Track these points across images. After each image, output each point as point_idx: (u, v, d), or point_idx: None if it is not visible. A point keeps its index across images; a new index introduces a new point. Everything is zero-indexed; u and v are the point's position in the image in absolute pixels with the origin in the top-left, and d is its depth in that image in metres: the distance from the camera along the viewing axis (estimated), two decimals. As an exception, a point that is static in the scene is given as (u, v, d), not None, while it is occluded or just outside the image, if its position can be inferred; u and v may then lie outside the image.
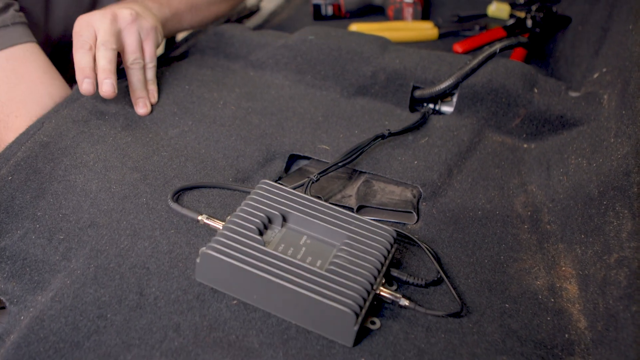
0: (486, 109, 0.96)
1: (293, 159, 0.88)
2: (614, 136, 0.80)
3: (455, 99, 0.97)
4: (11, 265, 0.67)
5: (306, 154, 0.87)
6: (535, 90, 0.95)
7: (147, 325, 0.61)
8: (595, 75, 0.98)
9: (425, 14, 1.36)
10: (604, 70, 0.96)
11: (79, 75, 0.84)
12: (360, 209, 0.79)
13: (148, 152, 0.82)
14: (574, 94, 0.96)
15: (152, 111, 0.91)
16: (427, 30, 1.30)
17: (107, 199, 0.73)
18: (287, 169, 0.87)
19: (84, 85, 0.83)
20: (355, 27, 1.31)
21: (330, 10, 1.40)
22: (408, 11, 1.35)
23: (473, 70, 0.96)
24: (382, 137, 0.87)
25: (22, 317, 0.62)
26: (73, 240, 0.69)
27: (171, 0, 1.02)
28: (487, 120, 0.96)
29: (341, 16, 1.40)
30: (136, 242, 0.68)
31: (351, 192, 0.83)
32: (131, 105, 0.91)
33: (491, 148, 0.92)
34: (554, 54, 1.18)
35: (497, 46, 0.98)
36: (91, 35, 0.85)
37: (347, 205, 0.80)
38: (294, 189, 0.74)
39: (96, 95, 0.88)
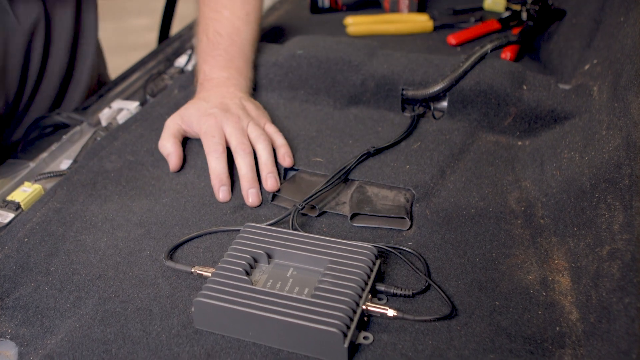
0: (477, 110, 0.97)
1: (289, 170, 0.92)
2: (605, 129, 0.81)
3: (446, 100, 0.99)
4: (24, 314, 0.72)
5: (301, 168, 0.91)
6: (524, 87, 0.96)
7: (149, 356, 0.65)
8: (586, 67, 0.98)
9: (421, 7, 1.37)
10: (595, 62, 0.96)
11: (214, 181, 0.87)
12: (354, 216, 0.82)
13: (150, 202, 0.87)
14: (564, 87, 0.96)
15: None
16: (422, 22, 1.31)
17: (114, 254, 0.79)
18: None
19: (221, 194, 0.86)
20: (351, 19, 1.33)
21: (327, 3, 1.43)
22: (404, 3, 1.37)
23: (466, 72, 0.97)
24: (368, 154, 0.90)
25: (31, 358, 0.67)
26: (82, 290, 0.74)
27: (244, 51, 1.05)
28: (479, 121, 0.97)
29: (338, 9, 1.43)
30: (140, 289, 0.74)
31: (345, 200, 0.85)
32: (133, 156, 0.96)
33: (485, 148, 0.93)
34: (547, 47, 1.18)
35: (488, 47, 1.00)
36: (222, 137, 0.89)
37: (341, 212, 0.83)
38: (282, 218, 0.78)
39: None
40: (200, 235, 0.81)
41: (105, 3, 1.31)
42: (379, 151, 0.91)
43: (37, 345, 0.69)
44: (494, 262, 0.74)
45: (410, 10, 1.36)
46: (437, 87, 0.96)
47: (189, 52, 1.27)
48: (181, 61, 1.25)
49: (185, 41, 1.34)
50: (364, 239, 0.79)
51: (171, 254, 0.78)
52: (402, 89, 1.00)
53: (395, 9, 1.37)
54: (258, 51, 1.10)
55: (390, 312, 0.66)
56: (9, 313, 0.72)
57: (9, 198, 0.89)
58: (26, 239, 0.81)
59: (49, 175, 0.95)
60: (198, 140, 0.94)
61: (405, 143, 0.94)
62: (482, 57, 0.99)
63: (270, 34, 1.34)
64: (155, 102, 1.09)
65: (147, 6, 4.06)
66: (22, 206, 0.88)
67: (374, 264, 0.70)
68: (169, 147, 0.92)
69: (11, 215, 0.87)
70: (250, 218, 0.83)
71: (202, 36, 1.05)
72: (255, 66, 1.08)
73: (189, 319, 0.69)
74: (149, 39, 3.21)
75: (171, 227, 0.82)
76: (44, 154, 1.00)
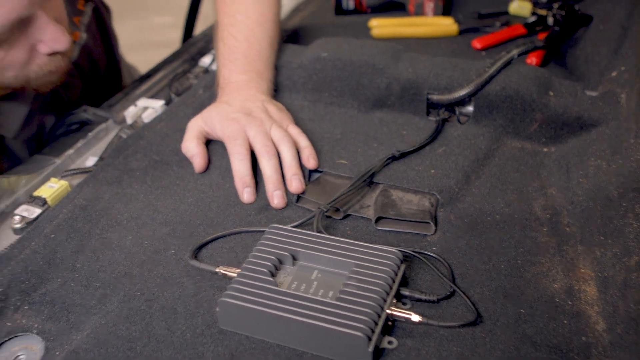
0: (503, 116, 0.96)
1: (313, 172, 0.92)
2: (633, 137, 0.80)
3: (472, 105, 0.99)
4: (50, 309, 0.73)
5: (325, 170, 0.91)
6: (551, 94, 0.95)
7: (173, 354, 0.66)
8: (613, 74, 0.97)
9: (446, 10, 1.37)
10: (622, 69, 0.95)
11: (238, 183, 0.87)
12: (378, 220, 0.82)
13: (175, 202, 0.87)
14: (591, 94, 0.96)
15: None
16: (447, 26, 1.30)
17: (139, 252, 0.79)
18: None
19: (245, 195, 0.86)
20: (376, 22, 1.33)
21: (351, 5, 1.43)
22: (429, 6, 1.37)
23: (492, 77, 0.97)
24: (393, 157, 0.90)
25: (57, 353, 0.68)
26: (108, 287, 0.75)
27: (262, 53, 1.04)
28: (504, 127, 0.97)
29: (362, 11, 1.43)
30: (165, 288, 0.74)
31: (369, 203, 0.85)
32: (158, 155, 0.96)
33: (510, 154, 0.93)
34: (573, 53, 1.17)
35: (514, 52, 0.99)
36: (246, 139, 0.90)
37: (365, 216, 0.83)
38: (306, 220, 0.78)
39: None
40: (225, 236, 0.81)
41: (127, 0, 1.32)
42: (404, 155, 0.91)
43: (63, 340, 0.70)
44: (519, 270, 0.74)
45: (435, 13, 1.36)
46: (463, 92, 0.96)
47: (213, 52, 1.27)
48: (206, 61, 1.25)
49: (210, 41, 1.35)
50: (388, 242, 0.79)
51: (196, 253, 0.78)
52: (428, 93, 1.00)
53: (420, 12, 1.37)
54: (281, 52, 1.10)
55: (415, 317, 0.66)
56: (35, 308, 0.73)
57: (36, 194, 0.90)
58: (53, 235, 0.82)
59: (75, 171, 0.96)
60: (222, 142, 0.95)
61: (430, 147, 0.94)
62: (508, 62, 0.99)
63: (294, 36, 1.34)
64: (180, 101, 1.10)
65: (169, 4, 4.08)
66: (49, 202, 0.89)
67: (399, 268, 0.70)
68: (192, 149, 0.93)
69: (38, 211, 0.88)
70: (275, 219, 0.84)
71: (220, 42, 1.06)
72: (279, 68, 1.09)
73: (213, 318, 0.70)
74: (170, 37, 3.23)
75: (196, 226, 0.83)
76: (70, 151, 1.01)
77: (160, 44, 3.04)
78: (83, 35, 1.19)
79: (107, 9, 1.32)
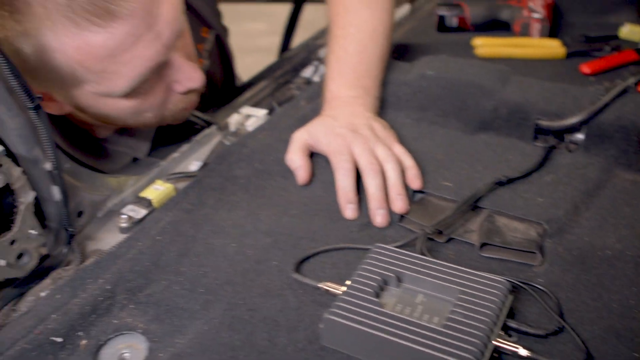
0: (615, 146, 0.93)
1: (416, 192, 0.91)
2: None
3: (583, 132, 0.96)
4: (155, 310, 0.75)
5: (429, 191, 0.90)
6: (669, 127, 0.91)
7: None
8: None
9: (552, 32, 1.34)
10: None
11: (342, 199, 0.88)
12: (482, 246, 0.81)
13: (278, 212, 0.88)
14: None
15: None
16: (554, 48, 1.27)
17: (242, 261, 0.80)
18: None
19: (349, 211, 0.87)
20: (480, 40, 1.31)
21: (455, 22, 1.40)
22: (536, 27, 1.33)
23: (606, 105, 0.94)
24: (500, 182, 0.88)
25: (161, 355, 0.69)
26: (212, 294, 0.76)
27: (371, 69, 1.04)
28: (616, 158, 0.93)
29: (466, 28, 1.40)
30: (267, 299, 0.75)
31: (474, 227, 0.84)
32: (261, 165, 0.97)
33: (622, 186, 0.89)
34: None
35: (631, 80, 0.96)
36: (351, 155, 0.90)
37: (469, 241, 0.82)
38: (410, 241, 0.77)
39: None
40: (328, 251, 0.81)
41: (221, 7, 1.35)
42: (511, 181, 0.89)
43: (166, 342, 0.71)
44: (633, 310, 0.71)
45: (542, 35, 1.33)
46: (575, 119, 0.93)
47: (315, 63, 1.28)
48: (308, 71, 1.26)
49: (312, 52, 1.36)
50: (491, 270, 0.78)
51: (298, 266, 0.79)
52: (536, 118, 0.97)
53: (526, 32, 1.34)
54: (386, 68, 1.10)
55: (523, 352, 0.65)
56: (141, 308, 0.75)
57: (142, 195, 0.93)
58: (158, 237, 0.84)
59: (180, 175, 0.99)
60: (325, 156, 0.95)
61: (538, 174, 0.91)
62: (623, 91, 0.95)
63: (395, 51, 1.33)
64: (282, 112, 1.11)
65: (262, 11, 4.15)
66: (154, 204, 0.91)
67: (507, 298, 0.69)
68: (297, 161, 0.93)
69: (144, 212, 0.90)
70: (377, 238, 0.83)
71: (330, 54, 1.06)
72: (383, 83, 1.08)
73: (315, 334, 0.70)
74: (264, 43, 3.28)
75: (298, 239, 0.83)
76: (175, 154, 1.04)
77: (253, 49, 3.09)
78: (206, 62, 1.23)
79: (225, 30, 1.35)
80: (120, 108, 0.90)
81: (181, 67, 0.91)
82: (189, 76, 0.92)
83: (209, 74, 1.24)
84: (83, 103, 0.90)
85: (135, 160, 1.07)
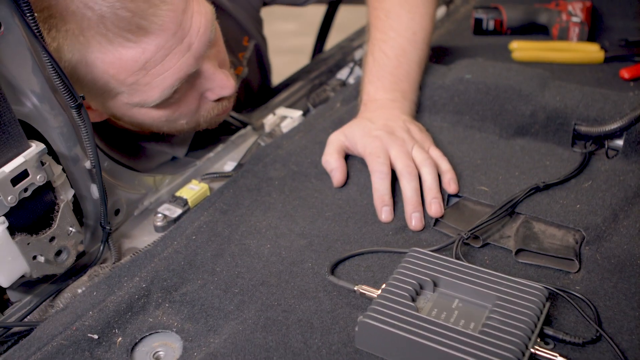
0: None
1: (452, 197, 0.91)
2: None
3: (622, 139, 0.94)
4: (190, 309, 0.75)
5: (465, 195, 0.89)
6: None
7: None
8: None
9: (591, 36, 1.32)
10: None
11: (377, 201, 0.88)
12: (518, 252, 0.80)
13: (313, 214, 0.88)
14: None
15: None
16: (592, 52, 1.25)
17: (277, 262, 0.81)
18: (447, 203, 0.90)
19: (384, 214, 0.87)
20: (517, 44, 1.29)
21: (491, 25, 1.39)
22: (574, 31, 1.31)
23: None
24: (537, 188, 0.87)
25: (195, 354, 0.70)
26: (246, 294, 0.76)
27: (410, 73, 1.04)
28: None
29: (502, 32, 1.39)
30: (302, 301, 0.75)
31: (510, 233, 0.83)
32: (297, 166, 0.97)
33: (661, 194, 0.88)
34: None
35: (673, 85, 0.94)
36: (387, 158, 0.90)
37: (505, 246, 0.81)
38: (446, 246, 0.77)
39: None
40: (363, 253, 0.81)
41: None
42: (548, 186, 0.88)
43: (200, 342, 0.72)
44: (672, 320, 0.70)
45: (580, 39, 1.31)
46: (616, 125, 0.92)
47: (350, 64, 1.28)
48: (343, 73, 1.26)
49: (347, 53, 1.36)
50: (527, 276, 0.77)
51: (333, 268, 0.79)
52: (575, 124, 0.96)
53: (564, 36, 1.32)
54: (424, 71, 1.09)
55: (560, 360, 0.64)
56: (175, 307, 0.76)
57: (178, 194, 0.93)
58: (194, 237, 0.85)
59: (215, 175, 0.99)
60: (361, 158, 0.95)
61: (576, 181, 0.90)
62: (665, 98, 0.94)
63: (431, 54, 1.33)
64: (317, 113, 1.11)
65: (293, 12, 4.16)
66: (189, 203, 0.92)
67: (544, 305, 0.68)
68: (333, 163, 0.93)
69: (179, 211, 0.91)
70: (412, 241, 0.83)
71: (369, 57, 1.06)
72: (420, 87, 1.08)
73: (349, 337, 0.70)
74: (295, 44, 3.29)
75: (333, 241, 0.83)
76: (211, 154, 1.04)
77: (285, 50, 3.10)
78: (245, 70, 1.24)
79: (264, 40, 1.36)
80: (154, 117, 0.92)
81: (213, 75, 0.92)
82: (221, 84, 0.93)
83: (246, 81, 1.26)
84: (118, 112, 0.91)
85: (173, 159, 1.08)
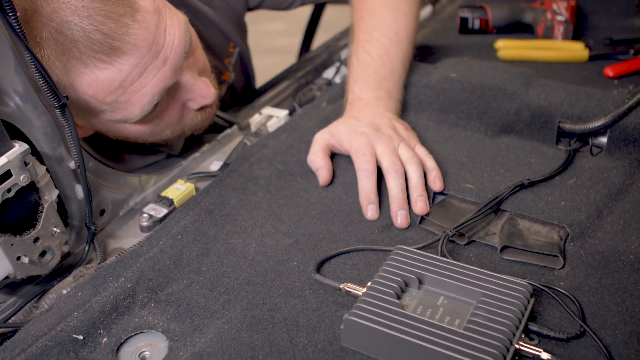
0: (639, 150, 0.92)
1: (437, 194, 0.91)
2: None
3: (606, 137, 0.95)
4: (175, 309, 0.75)
5: (450, 192, 0.90)
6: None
7: None
8: None
9: (575, 35, 1.32)
10: None
11: (363, 199, 0.88)
12: (503, 249, 0.80)
13: (299, 213, 0.88)
14: None
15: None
16: (577, 51, 1.26)
17: (262, 261, 0.80)
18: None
19: (370, 212, 0.87)
20: (502, 43, 1.30)
21: (477, 24, 1.40)
22: (559, 29, 1.32)
23: (631, 109, 0.92)
24: (522, 185, 0.88)
25: (181, 354, 0.70)
26: (232, 293, 0.76)
27: (394, 72, 1.04)
28: None
29: (488, 31, 1.40)
30: (288, 299, 0.75)
31: (495, 230, 0.83)
32: (282, 165, 0.97)
33: (645, 191, 0.88)
34: None
35: (657, 83, 0.95)
36: (373, 155, 0.91)
37: (490, 243, 0.81)
38: (431, 243, 0.77)
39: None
40: (349, 252, 0.81)
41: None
42: (533, 184, 0.89)
43: (186, 341, 0.71)
44: (656, 315, 0.70)
45: (565, 37, 1.32)
46: (599, 123, 0.92)
47: (337, 64, 1.28)
48: (329, 72, 1.26)
49: (333, 53, 1.36)
50: (512, 273, 0.77)
51: (319, 267, 0.79)
52: (560, 122, 0.96)
53: (549, 35, 1.33)
54: (409, 70, 1.09)
55: (545, 355, 0.64)
56: (161, 307, 0.76)
57: (163, 194, 0.93)
58: (180, 237, 0.85)
59: (201, 175, 0.99)
60: (347, 156, 0.95)
61: (560, 178, 0.90)
62: (649, 95, 0.94)
63: (417, 53, 1.33)
64: (303, 113, 1.11)
65: (281, 12, 4.15)
66: (175, 203, 0.92)
67: (528, 302, 0.68)
68: (318, 162, 0.93)
69: (165, 211, 0.91)
70: (398, 239, 0.83)
71: (354, 57, 1.06)
72: (405, 86, 1.08)
73: (335, 335, 0.70)
74: (283, 44, 3.29)
75: (319, 240, 0.83)
76: (197, 154, 1.04)
77: (273, 50, 3.10)
78: (232, 75, 1.24)
79: (247, 48, 1.37)
80: (139, 131, 0.92)
81: (193, 86, 0.92)
82: (202, 94, 0.93)
83: (232, 85, 1.26)
84: (102, 128, 0.92)
85: (168, 157, 1.08)
